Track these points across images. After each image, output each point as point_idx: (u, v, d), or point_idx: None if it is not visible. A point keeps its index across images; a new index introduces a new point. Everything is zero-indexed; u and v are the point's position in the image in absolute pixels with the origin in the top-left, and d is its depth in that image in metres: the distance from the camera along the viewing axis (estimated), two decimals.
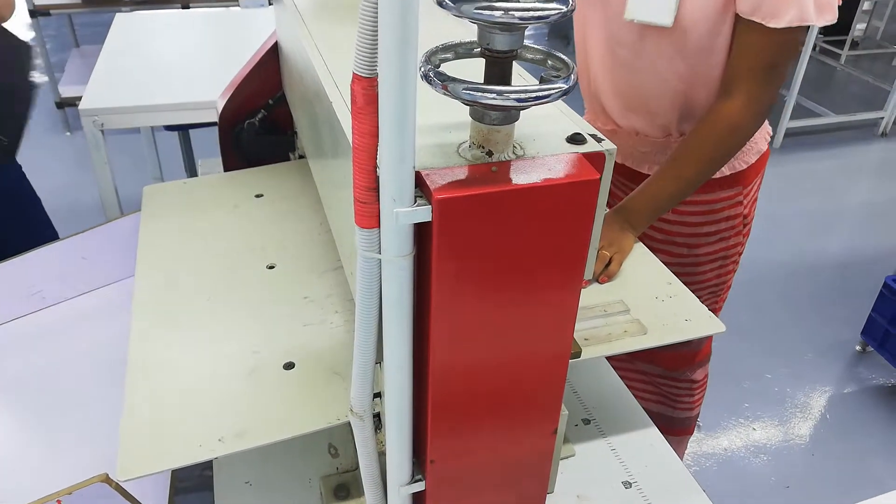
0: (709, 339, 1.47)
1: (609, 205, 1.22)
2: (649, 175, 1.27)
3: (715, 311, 1.45)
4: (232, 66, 1.35)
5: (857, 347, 2.41)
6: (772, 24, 0.99)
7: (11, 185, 1.62)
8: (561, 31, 5.27)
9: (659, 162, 1.26)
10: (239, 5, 3.26)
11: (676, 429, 1.67)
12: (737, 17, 1.04)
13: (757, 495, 1.91)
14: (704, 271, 1.34)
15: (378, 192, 0.54)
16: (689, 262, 1.31)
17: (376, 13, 0.46)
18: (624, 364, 1.58)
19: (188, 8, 3.23)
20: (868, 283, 2.61)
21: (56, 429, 0.97)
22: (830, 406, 2.21)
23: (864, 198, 3.38)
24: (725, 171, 1.22)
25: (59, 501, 0.77)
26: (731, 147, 1.11)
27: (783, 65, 1.06)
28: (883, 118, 3.96)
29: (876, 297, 2.26)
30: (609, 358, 1.57)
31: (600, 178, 0.60)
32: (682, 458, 1.75)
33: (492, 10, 0.51)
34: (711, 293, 1.40)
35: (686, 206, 1.24)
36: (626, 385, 1.60)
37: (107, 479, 0.76)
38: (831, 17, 1.01)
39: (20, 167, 1.65)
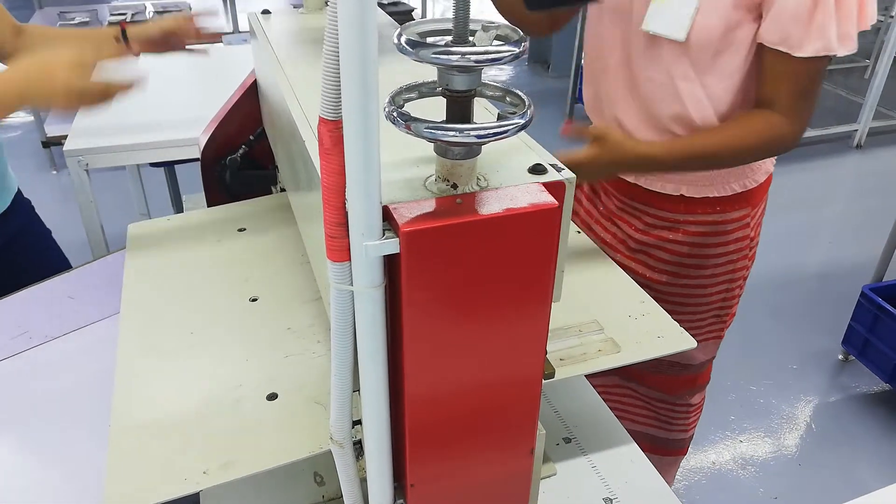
0: (710, 362, 1.48)
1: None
2: (661, 192, 1.28)
3: (719, 335, 1.46)
4: (216, 103, 1.38)
5: (840, 356, 2.45)
6: (798, 54, 1.04)
7: (24, 220, 1.59)
8: (540, 57, 5.37)
9: (672, 180, 1.27)
10: (222, 43, 3.32)
11: (671, 450, 1.68)
12: (764, 46, 1.08)
13: None
14: (710, 293, 1.35)
15: (347, 227, 0.57)
16: (697, 283, 1.33)
17: (338, 63, 0.49)
18: (621, 388, 1.58)
19: None
20: (847, 292, 2.65)
21: (41, 467, 0.98)
22: (815, 416, 2.24)
23: (840, 209, 3.44)
24: (737, 188, 1.25)
25: None
26: (769, 147, 1.14)
27: (814, 91, 1.10)
28: (857, 130, 4.06)
29: (855, 306, 2.31)
30: (607, 382, 1.59)
31: (561, 206, 0.63)
32: (674, 477, 1.76)
33: (449, 54, 0.54)
34: (716, 317, 1.41)
35: (697, 226, 1.26)
36: (622, 409, 1.61)
37: None
38: (852, 47, 1.06)
39: (29, 202, 1.61)
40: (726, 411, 2.24)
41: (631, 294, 1.07)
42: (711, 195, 1.26)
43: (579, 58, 4.24)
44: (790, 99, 1.10)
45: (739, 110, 1.17)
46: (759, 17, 1.07)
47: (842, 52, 1.06)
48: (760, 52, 1.10)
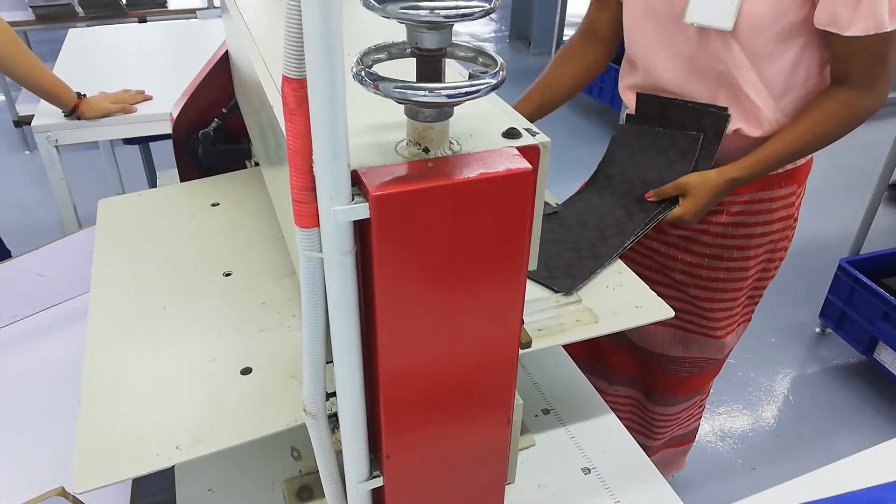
0: (731, 348, 1.46)
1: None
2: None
3: (748, 318, 1.43)
4: (188, 77, 1.35)
5: (817, 329, 2.48)
6: (847, 34, 1.00)
7: None
8: (521, 34, 5.33)
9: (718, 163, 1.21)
10: (197, 17, 3.25)
11: (687, 440, 1.69)
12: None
13: (723, 478, 1.96)
14: (749, 276, 1.31)
15: (315, 191, 0.55)
16: (738, 266, 1.29)
17: (300, 16, 0.47)
18: (650, 413, 1.56)
19: (145, 22, 3.20)
20: (824, 266, 2.68)
21: (12, 444, 0.96)
22: (793, 388, 2.27)
23: (819, 183, 3.47)
24: (788, 165, 1.21)
25: None
26: (849, 124, 1.10)
27: (887, 60, 1.05)
28: None
29: (832, 279, 2.33)
30: (633, 412, 1.59)
31: (536, 171, 0.62)
32: (684, 463, 1.76)
33: (417, 9, 0.52)
34: (749, 298, 1.37)
35: (741, 206, 1.23)
36: (646, 432, 1.59)
37: (63, 493, 0.76)
38: None
39: None
40: None
41: (609, 266, 1.06)
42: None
43: (560, 34, 4.21)
44: (862, 73, 1.06)
45: (800, 89, 1.13)
46: (810, 0, 1.03)
47: (893, 27, 1.00)
48: (822, 33, 1.06)
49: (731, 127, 1.16)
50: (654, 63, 1.21)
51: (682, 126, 1.19)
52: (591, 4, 1.34)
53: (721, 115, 1.14)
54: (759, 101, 1.13)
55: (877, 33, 1.00)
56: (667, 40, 1.17)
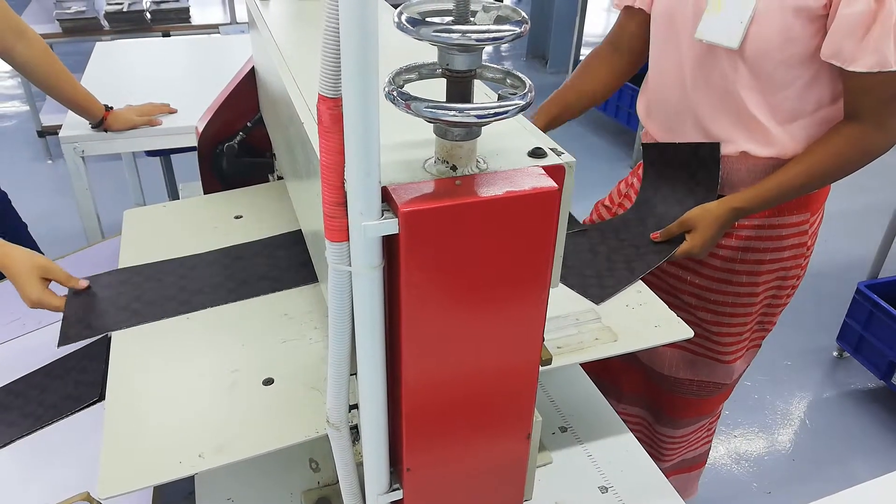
0: (740, 373, 1.46)
1: None
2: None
3: (758, 344, 1.43)
4: (212, 92, 1.37)
5: (834, 353, 2.45)
6: (851, 69, 1.00)
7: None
8: (538, 52, 5.36)
9: (730, 184, 1.22)
10: (219, 33, 3.31)
11: (698, 464, 1.67)
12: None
13: (738, 502, 1.93)
14: (757, 303, 1.30)
15: (346, 206, 0.56)
16: (747, 291, 1.28)
17: (338, 38, 0.49)
18: (659, 435, 1.56)
19: (169, 36, 3.26)
20: (842, 289, 2.66)
21: (38, 449, 0.98)
22: (810, 411, 2.25)
23: (837, 206, 3.44)
24: None
25: None
26: (856, 161, 1.10)
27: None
28: None
29: (850, 303, 2.31)
30: (644, 431, 1.59)
31: (561, 190, 0.63)
32: (697, 486, 1.74)
33: (449, 32, 0.54)
34: (759, 324, 1.37)
35: (750, 230, 1.23)
36: (656, 453, 1.59)
37: (88, 498, 0.77)
38: None
39: (6, 194, 1.68)
40: None
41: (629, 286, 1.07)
42: None
43: (577, 52, 4.23)
44: (873, 110, 1.05)
45: (810, 118, 1.12)
46: (821, 30, 1.03)
47: None
48: (834, 66, 1.05)
49: (735, 148, 1.16)
50: (664, 78, 1.23)
51: (683, 162, 1.21)
52: (620, 13, 1.35)
53: (713, 144, 1.16)
54: (765, 123, 1.13)
55: (882, 71, 0.99)
56: (678, 56, 1.19)
